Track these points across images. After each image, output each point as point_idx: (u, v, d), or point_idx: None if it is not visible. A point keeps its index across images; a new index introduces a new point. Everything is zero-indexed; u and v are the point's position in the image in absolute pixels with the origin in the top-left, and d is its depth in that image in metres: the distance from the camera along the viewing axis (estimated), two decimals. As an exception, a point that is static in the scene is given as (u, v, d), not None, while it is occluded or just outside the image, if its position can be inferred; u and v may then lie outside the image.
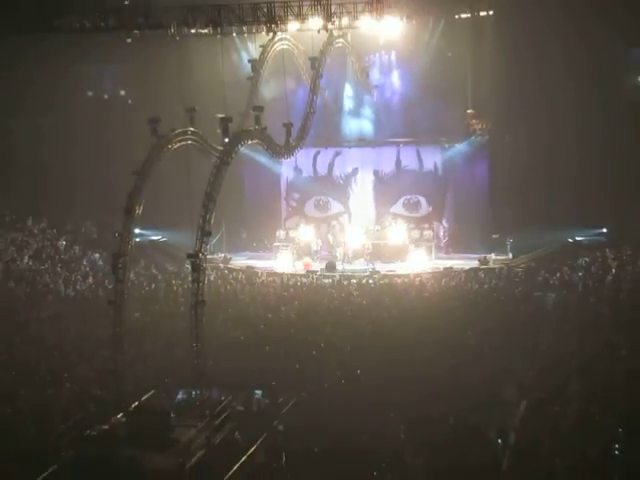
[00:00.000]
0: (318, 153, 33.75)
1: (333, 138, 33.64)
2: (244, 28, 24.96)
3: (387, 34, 28.20)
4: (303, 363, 19.71)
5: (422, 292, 26.03)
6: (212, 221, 18.65)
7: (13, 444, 15.65)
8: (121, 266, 18.74)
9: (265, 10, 23.14)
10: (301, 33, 25.82)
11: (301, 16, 23.32)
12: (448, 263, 30.06)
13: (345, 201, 34.13)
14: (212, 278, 27.32)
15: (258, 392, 18.41)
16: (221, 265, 30.67)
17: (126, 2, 26.09)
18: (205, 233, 18.32)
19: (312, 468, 14.42)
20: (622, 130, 28.50)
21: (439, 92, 31.29)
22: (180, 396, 18.04)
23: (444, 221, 33.19)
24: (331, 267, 29.94)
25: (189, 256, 18.38)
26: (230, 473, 14.94)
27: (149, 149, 19.91)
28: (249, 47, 30.77)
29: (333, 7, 23.41)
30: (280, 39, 26.47)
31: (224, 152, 20.07)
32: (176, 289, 26.37)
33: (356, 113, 33.89)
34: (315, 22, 23.77)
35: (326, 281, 28.29)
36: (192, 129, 21.65)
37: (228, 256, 31.75)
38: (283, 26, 24.12)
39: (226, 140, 20.71)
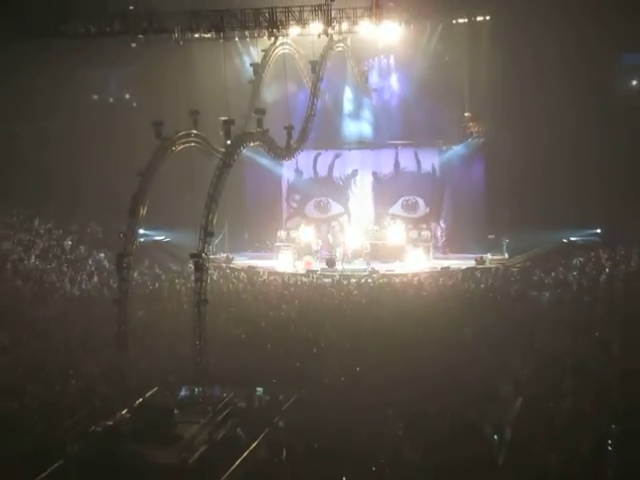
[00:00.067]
0: (318, 155, 33.97)
1: (333, 140, 33.83)
2: (246, 33, 24.99)
3: (386, 39, 28.31)
4: (303, 361, 19.73)
5: (420, 291, 26.14)
6: (215, 222, 18.81)
7: (20, 439, 15.64)
8: (125, 266, 19.02)
9: (267, 15, 23.14)
10: (302, 38, 25.88)
11: (302, 21, 23.35)
12: (445, 263, 30.26)
13: (345, 202, 34.33)
14: (214, 277, 27.31)
15: (259, 389, 18.38)
16: (223, 265, 30.77)
17: (131, 7, 26.13)
18: (208, 233, 18.51)
19: (312, 463, 14.26)
20: (617, 133, 28.72)
21: (437, 95, 31.46)
22: (183, 393, 18.12)
23: (441, 222, 33.36)
24: (331, 262, 30.10)
25: (192, 256, 18.52)
26: (232, 468, 14.89)
27: (153, 151, 20.10)
28: (251, 51, 30.84)
29: (333, 12, 23.44)
30: (281, 44, 26.69)
31: (226, 154, 20.19)
32: (179, 288, 26.44)
33: (356, 116, 34.10)
34: (316, 27, 23.80)
35: (326, 280, 28.39)
36: (195, 132, 21.82)
37: (230, 256, 31.86)
38: (284, 31, 24.11)
39: (228, 142, 20.91)
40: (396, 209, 33.57)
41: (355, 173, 34.20)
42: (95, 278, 27.44)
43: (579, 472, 13.41)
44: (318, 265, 30.84)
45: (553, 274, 26.18)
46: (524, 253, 29.76)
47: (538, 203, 29.18)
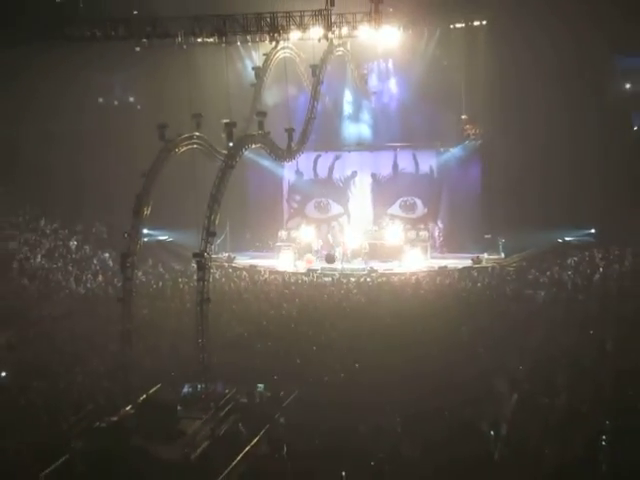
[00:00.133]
0: (319, 157, 34.24)
1: (333, 142, 34.09)
2: (248, 37, 24.83)
3: (385, 43, 28.48)
4: (304, 358, 19.85)
5: (418, 290, 26.34)
6: (217, 222, 18.95)
7: (26, 434, 15.71)
8: (129, 265, 19.10)
9: (268, 20, 23.15)
10: (303, 42, 25.86)
11: (303, 26, 23.31)
12: (443, 262, 30.52)
13: (344, 203, 34.59)
14: (217, 276, 27.51)
15: (260, 386, 18.45)
16: (225, 264, 30.95)
17: (135, 12, 26.39)
18: (210, 233, 18.68)
19: (312, 459, 14.25)
20: (611, 134, 28.96)
21: (434, 98, 31.72)
22: (186, 389, 18.28)
23: (439, 222, 33.67)
24: (330, 259, 30.37)
25: (195, 255, 18.68)
26: (233, 463, 14.94)
27: (157, 153, 20.22)
28: (253, 55, 31.00)
29: (333, 17, 23.35)
30: (282, 48, 26.70)
31: (228, 156, 20.37)
32: (182, 287, 26.62)
33: (355, 118, 34.35)
34: (316, 31, 23.76)
35: (326, 279, 28.60)
36: (198, 134, 21.97)
37: (232, 255, 32.04)
38: (285, 35, 24.11)
39: (230, 144, 21.03)
40: (394, 209, 33.83)
41: (354, 174, 34.44)
42: (100, 277, 27.63)
43: (574, 467, 13.42)
44: (319, 264, 31.07)
45: (548, 273, 26.41)
46: (520, 253, 29.99)
47: (534, 204, 29.29)
